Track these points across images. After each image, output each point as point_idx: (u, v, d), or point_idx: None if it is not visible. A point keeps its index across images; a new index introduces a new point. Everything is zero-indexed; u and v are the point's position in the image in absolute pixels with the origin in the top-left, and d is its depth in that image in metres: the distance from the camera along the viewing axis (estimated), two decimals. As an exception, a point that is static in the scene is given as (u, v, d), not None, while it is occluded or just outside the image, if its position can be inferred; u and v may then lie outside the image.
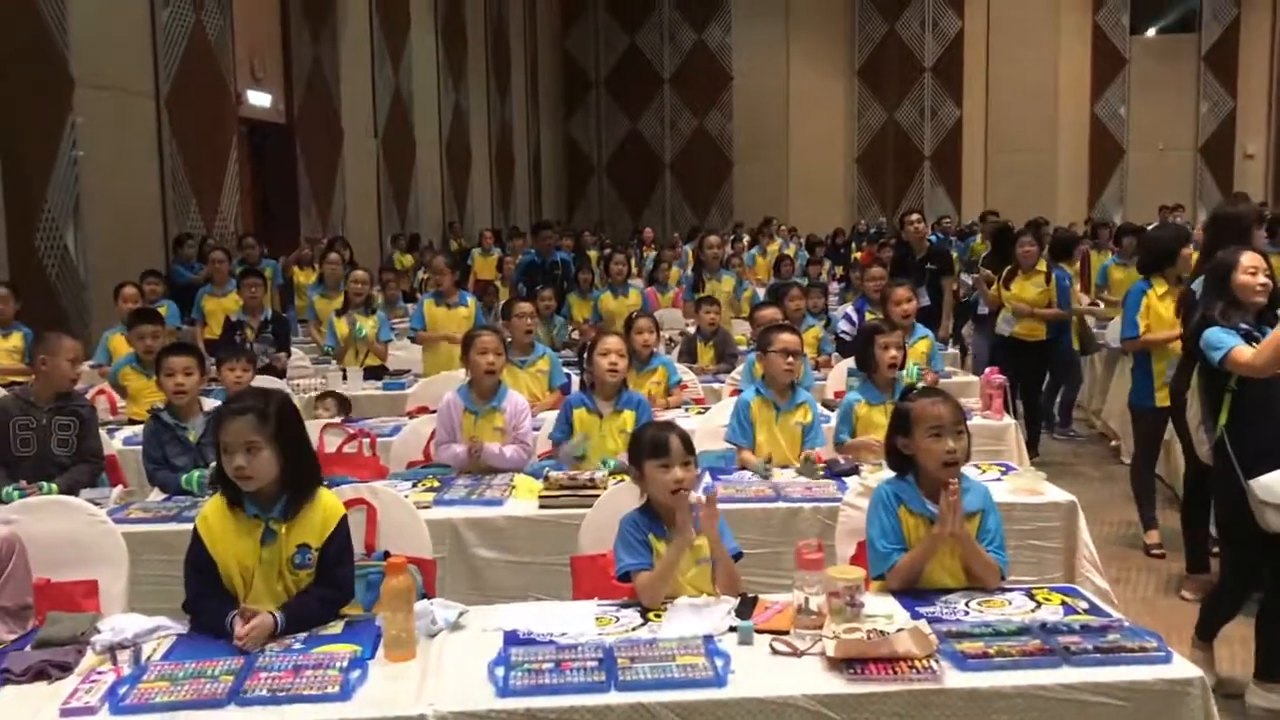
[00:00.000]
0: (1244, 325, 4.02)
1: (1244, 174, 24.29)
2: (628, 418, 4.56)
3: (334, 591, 2.94)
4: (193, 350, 4.60)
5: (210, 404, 4.57)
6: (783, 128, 25.79)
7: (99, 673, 2.57)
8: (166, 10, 11.07)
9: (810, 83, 25.48)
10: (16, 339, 7.15)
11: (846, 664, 2.51)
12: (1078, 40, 24.84)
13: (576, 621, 2.86)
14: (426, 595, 3.33)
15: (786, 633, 2.72)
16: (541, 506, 4.01)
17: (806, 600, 2.68)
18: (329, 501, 2.99)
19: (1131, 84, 24.91)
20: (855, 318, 7.38)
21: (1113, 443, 8.64)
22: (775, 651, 2.64)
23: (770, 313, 6.07)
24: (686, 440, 3.10)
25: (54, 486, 4.23)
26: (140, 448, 5.07)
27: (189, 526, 3.86)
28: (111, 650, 2.72)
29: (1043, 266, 7.97)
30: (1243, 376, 3.93)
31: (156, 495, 4.31)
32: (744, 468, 4.47)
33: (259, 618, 2.74)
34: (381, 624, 2.78)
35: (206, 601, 2.87)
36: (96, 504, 3.80)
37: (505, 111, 22.72)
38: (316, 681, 2.49)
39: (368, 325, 7.48)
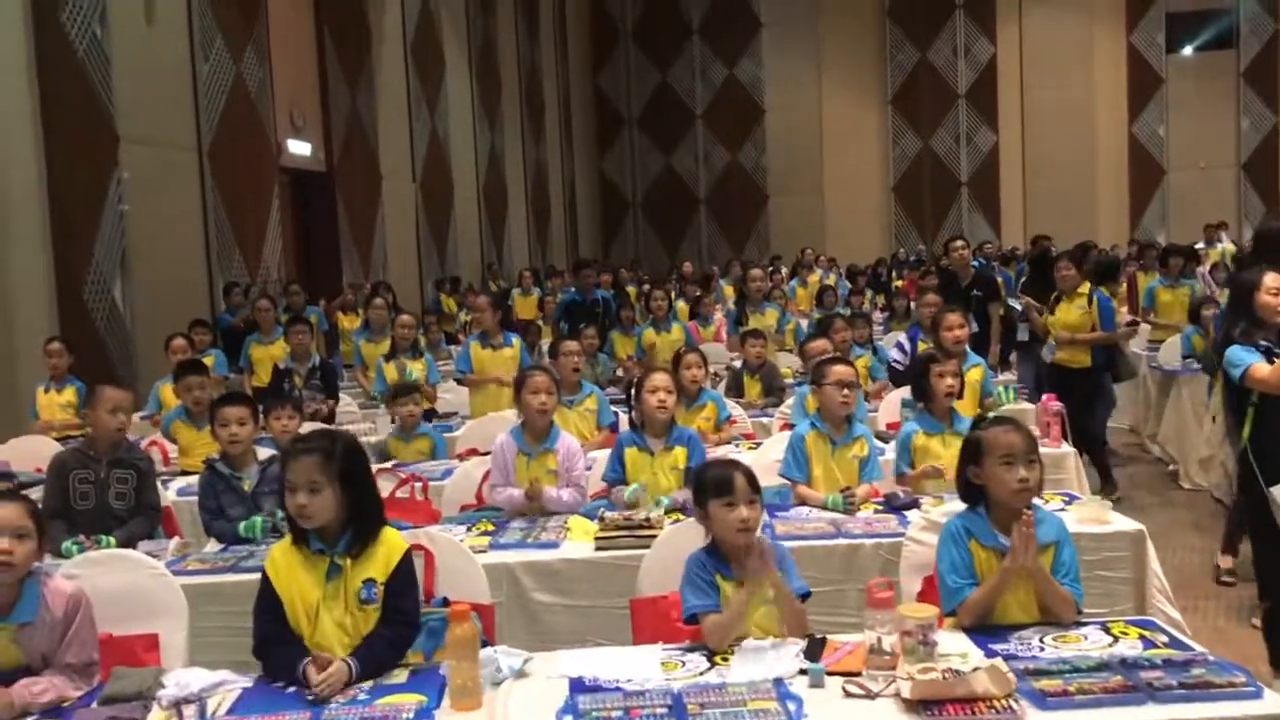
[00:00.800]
0: (1263, 343, 4.22)
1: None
2: (679, 454, 4.52)
3: (402, 630, 2.92)
4: (246, 400, 4.62)
5: (265, 453, 4.58)
6: (817, 159, 25.80)
7: (163, 729, 2.56)
8: (208, 65, 11.25)
9: (843, 113, 25.49)
10: (70, 393, 7.24)
11: (923, 706, 2.44)
12: (1112, 62, 24.71)
13: (642, 667, 2.81)
14: (487, 642, 3.31)
15: (858, 674, 2.66)
16: (598, 549, 3.97)
17: (879, 640, 2.62)
18: (393, 538, 2.99)
19: (1169, 103, 24.71)
20: (908, 346, 7.30)
21: (1170, 467, 8.49)
22: (848, 694, 2.57)
23: (820, 344, 6.02)
24: (751, 478, 3.06)
25: (112, 540, 4.25)
26: (194, 498, 5.13)
27: (247, 577, 3.95)
28: (178, 706, 2.70)
29: (1085, 290, 7.83)
30: (1263, 392, 4.16)
31: (213, 546, 4.32)
32: (802, 503, 4.41)
33: (335, 666, 2.71)
34: (446, 673, 2.75)
35: (276, 646, 2.85)
36: (154, 556, 3.82)
37: (540, 151, 22.89)
38: (386, 734, 2.46)
39: (416, 369, 7.50)
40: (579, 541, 4.08)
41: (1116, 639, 2.83)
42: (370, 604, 2.91)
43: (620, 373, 8.56)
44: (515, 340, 7.61)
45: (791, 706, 2.48)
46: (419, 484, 5.00)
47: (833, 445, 4.50)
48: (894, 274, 16.50)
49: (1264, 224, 6.11)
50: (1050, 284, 8.08)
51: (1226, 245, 16.98)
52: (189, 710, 2.68)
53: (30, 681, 2.77)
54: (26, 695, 2.72)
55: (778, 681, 2.65)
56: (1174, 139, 24.83)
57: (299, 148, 13.98)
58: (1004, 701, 2.43)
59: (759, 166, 26.14)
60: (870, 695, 2.55)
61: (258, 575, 3.87)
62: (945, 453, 4.51)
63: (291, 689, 2.76)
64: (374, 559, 2.93)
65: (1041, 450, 5.20)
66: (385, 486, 5.01)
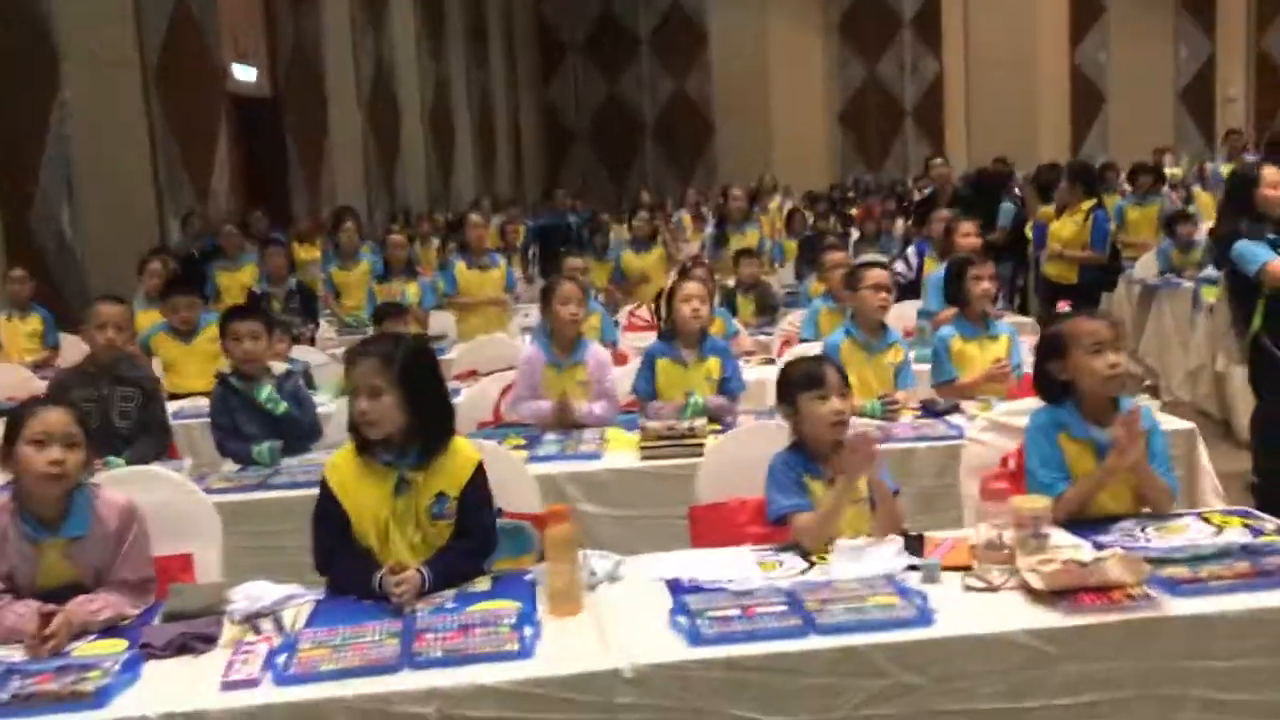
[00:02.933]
0: (1271, 236, 4.27)
1: (1225, 117, 24.26)
2: (713, 365, 4.37)
3: (477, 543, 2.76)
4: (257, 313, 4.37)
5: (279, 367, 4.35)
6: (763, 86, 25.50)
7: (247, 644, 2.38)
8: (150, -15, 10.71)
9: (788, 40, 25.20)
10: (35, 321, 6.90)
11: (1057, 596, 2.35)
12: (1055, -12, 24.70)
13: (738, 567, 2.69)
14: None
15: (968, 568, 2.56)
16: (644, 458, 3.83)
17: (999, 534, 2.52)
18: (465, 448, 2.81)
19: (1110, 31, 24.80)
20: (915, 260, 7.20)
21: (1146, 382, 8.54)
22: (969, 588, 2.47)
23: (839, 256, 5.89)
24: (841, 371, 2.93)
25: (120, 460, 4.02)
26: (189, 421, 4.88)
27: (277, 494, 3.76)
28: (252, 620, 2.53)
29: (1086, 206, 7.77)
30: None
31: (230, 466, 4.10)
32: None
33: (408, 574, 2.55)
34: (540, 576, 2.61)
35: (344, 559, 2.68)
36: (174, 476, 3.60)
37: (485, 80, 22.38)
38: (491, 640, 2.31)
39: (410, 291, 7.22)
40: (621, 452, 3.94)
41: (1221, 528, 2.76)
42: (443, 519, 2.73)
43: (602, 299, 8.38)
44: (501, 260, 7.39)
45: (917, 600, 2.37)
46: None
47: (868, 352, 4.39)
48: (851, 200, 16.44)
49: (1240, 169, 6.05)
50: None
51: (1173, 169, 17.15)
52: (266, 624, 2.51)
53: (86, 599, 2.57)
54: (83, 613, 2.52)
55: (888, 578, 2.54)
56: (1114, 67, 24.96)
57: (244, 74, 13.46)
58: (1139, 589, 2.35)
59: (704, 95, 25.82)
60: (993, 588, 2.46)
61: (288, 493, 3.77)
62: (982, 356, 4.43)
63: (367, 601, 2.59)
64: (445, 471, 2.75)
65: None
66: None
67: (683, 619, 2.36)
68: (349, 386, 2.69)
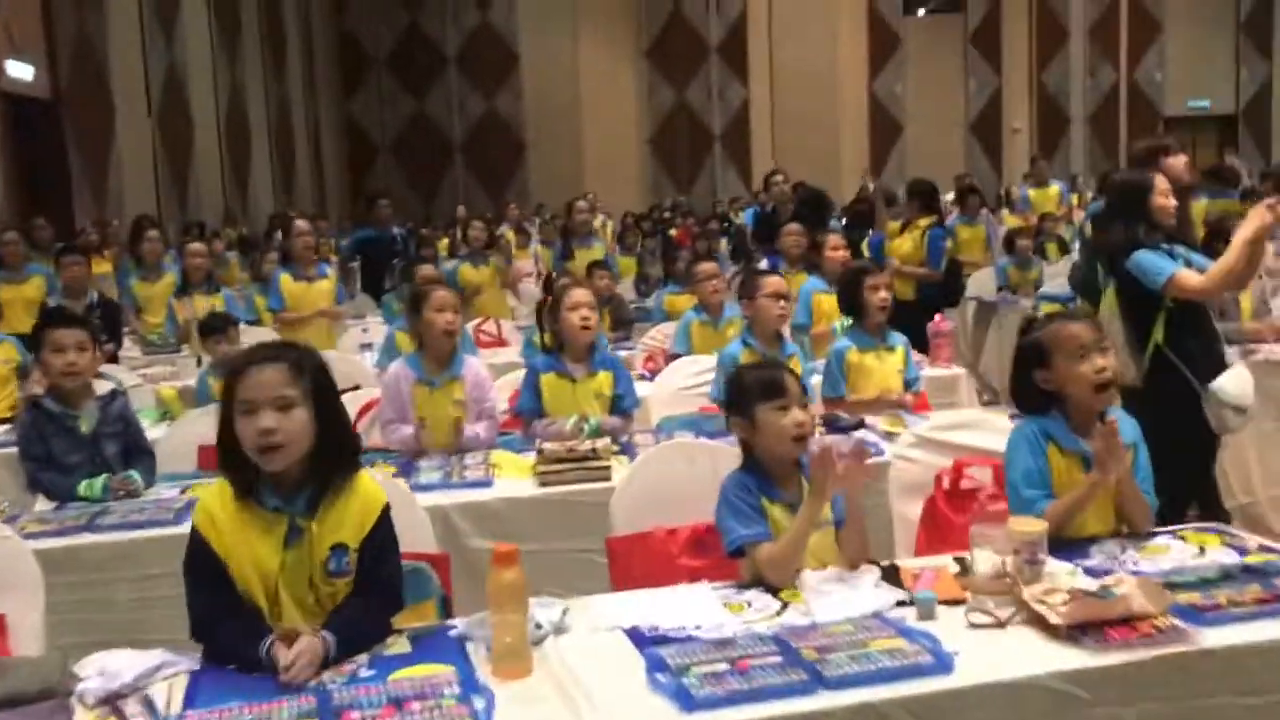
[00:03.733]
0: (1164, 246, 4.11)
1: (1011, 147, 25.59)
2: (604, 380, 4.00)
3: (385, 599, 2.28)
4: (82, 322, 3.73)
5: (103, 387, 3.72)
6: (575, 109, 25.33)
7: (114, 733, 1.85)
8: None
9: (600, 63, 25.14)
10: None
11: (1079, 631, 2.08)
12: (854, 21, 25.49)
13: (701, 611, 2.31)
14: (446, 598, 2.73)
15: (960, 601, 2.27)
16: (542, 484, 3.41)
17: (1002, 562, 2.24)
18: (368, 487, 2.32)
19: (907, 63, 25.78)
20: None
21: (985, 397, 8.65)
22: (974, 625, 2.18)
23: (709, 266, 5.60)
24: (798, 379, 2.61)
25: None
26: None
27: (105, 538, 3.17)
28: (111, 703, 1.99)
29: (923, 224, 7.80)
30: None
31: (43, 504, 3.45)
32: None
33: (304, 640, 2.07)
34: (466, 631, 2.18)
35: (228, 620, 2.16)
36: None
37: (283, 90, 21.35)
38: (437, 716, 1.86)
39: (215, 306, 6.52)
40: (513, 478, 3.51)
41: (1202, 548, 2.57)
42: (341, 576, 2.25)
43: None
44: (330, 271, 6.82)
45: (926, 643, 2.06)
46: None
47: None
48: (670, 221, 16.36)
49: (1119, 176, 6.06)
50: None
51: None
52: (130, 706, 1.98)
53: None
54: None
55: (879, 617, 2.22)
56: (910, 98, 25.94)
57: (19, 70, 12.27)
58: (1165, 619, 2.10)
59: (516, 114, 25.44)
60: (1000, 623, 2.17)
61: (119, 535, 3.18)
62: (881, 368, 4.22)
63: (254, 673, 2.09)
64: (345, 518, 2.26)
65: (932, 373, 5.09)
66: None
67: (663, 678, 1.97)
68: (241, 402, 2.17)
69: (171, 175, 16.28)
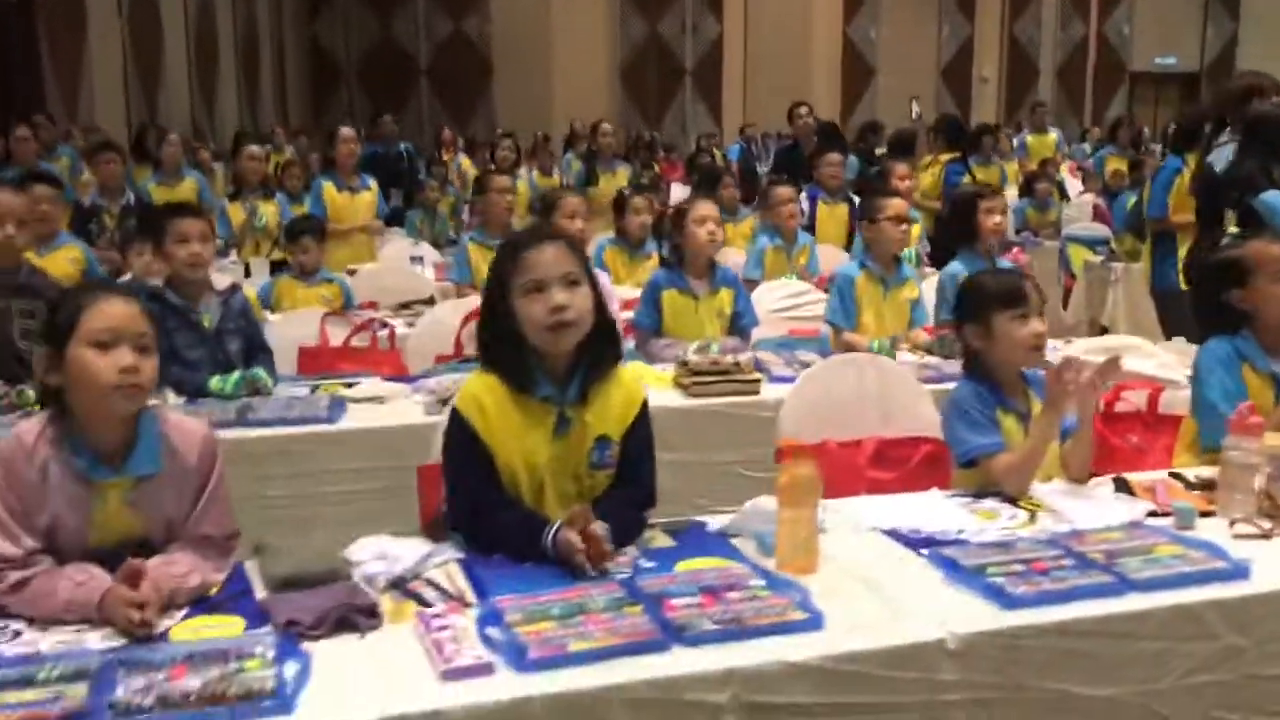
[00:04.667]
0: None
1: (980, 96, 25.65)
2: (725, 298, 3.93)
3: (644, 493, 2.22)
4: (202, 212, 3.57)
5: (223, 281, 3.58)
6: (544, 35, 24.85)
7: (435, 618, 1.78)
8: None
9: (571, -13, 24.65)
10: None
11: (1358, 542, 2.09)
12: (830, -39, 25.27)
13: (951, 516, 2.30)
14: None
15: (1212, 513, 2.28)
16: (691, 395, 3.36)
17: (1257, 475, 2.24)
18: (629, 380, 2.25)
19: (881, 8, 25.64)
20: (807, 207, 6.95)
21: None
22: (1237, 536, 2.18)
23: (788, 191, 5.53)
24: (1037, 288, 2.57)
25: (29, 392, 3.18)
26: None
27: (261, 433, 3.06)
28: (399, 586, 1.92)
29: (944, 159, 7.81)
30: None
31: (171, 398, 3.32)
32: (850, 351, 3.97)
33: (599, 526, 2.00)
34: (737, 527, 2.15)
35: (502, 510, 2.09)
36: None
37: (250, 8, 20.70)
38: (768, 609, 1.82)
39: (269, 211, 6.31)
40: (656, 389, 3.44)
41: None
42: (604, 469, 2.19)
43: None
44: (373, 183, 6.62)
45: (1209, 551, 2.06)
46: (385, 330, 4.14)
47: (884, 287, 4.07)
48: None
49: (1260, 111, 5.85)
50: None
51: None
52: (428, 592, 1.91)
53: (165, 560, 1.88)
54: (168, 579, 1.84)
55: (1141, 526, 2.22)
56: (883, 43, 25.83)
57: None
58: None
59: (484, 37, 24.89)
60: (1265, 534, 2.18)
61: (274, 431, 3.08)
62: (893, 298, 4.17)
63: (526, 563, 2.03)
64: (610, 409, 2.19)
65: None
66: (338, 333, 4.14)
67: (968, 577, 1.95)
68: (529, 281, 2.07)
69: (141, 86, 15.76)
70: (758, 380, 3.39)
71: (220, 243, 6.46)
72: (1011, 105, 26.02)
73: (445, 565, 2.02)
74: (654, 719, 1.65)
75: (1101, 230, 7.56)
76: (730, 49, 25.36)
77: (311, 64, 24.83)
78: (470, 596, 1.89)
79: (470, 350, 4.11)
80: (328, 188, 6.41)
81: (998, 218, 4.19)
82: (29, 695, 1.53)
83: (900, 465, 2.84)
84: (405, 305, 4.96)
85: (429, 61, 24.97)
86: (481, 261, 5.07)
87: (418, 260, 6.01)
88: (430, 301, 5.06)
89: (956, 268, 4.24)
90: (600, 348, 2.16)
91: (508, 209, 5.16)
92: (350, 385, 3.45)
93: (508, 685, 1.61)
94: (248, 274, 5.68)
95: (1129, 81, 25.71)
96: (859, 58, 25.86)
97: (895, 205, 4.03)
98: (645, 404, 2.24)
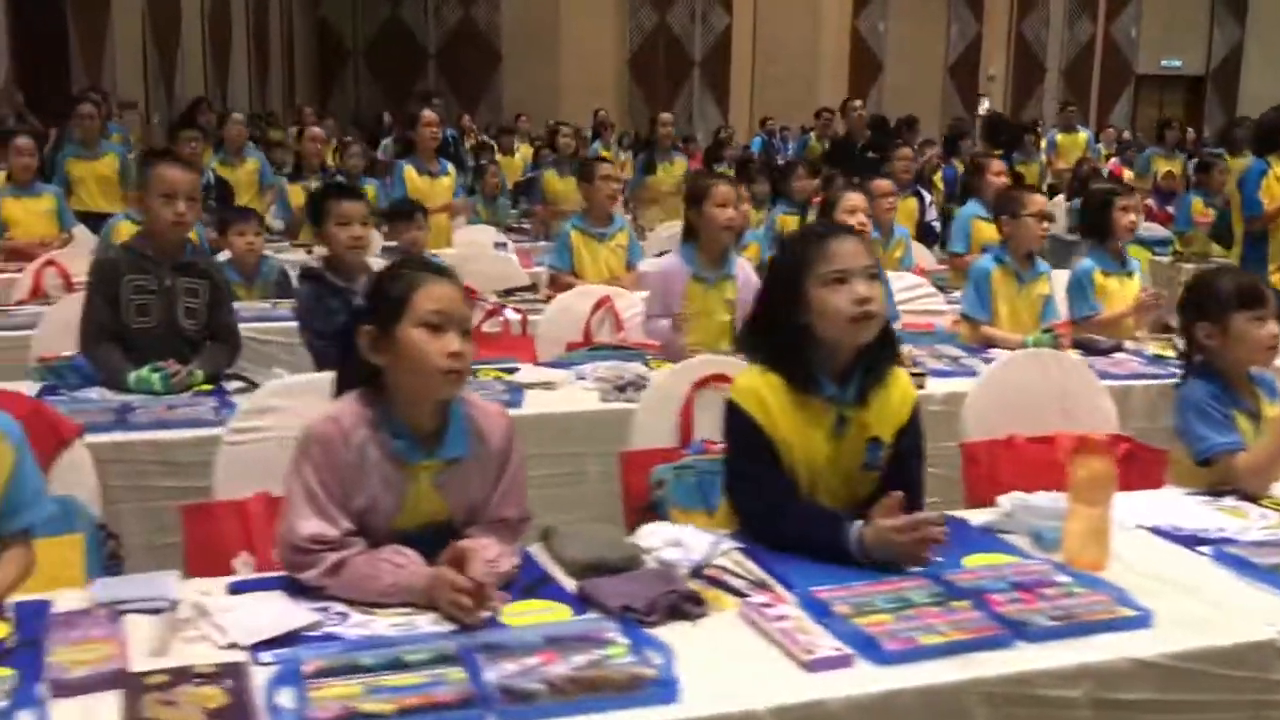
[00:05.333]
0: None
1: (987, 93, 25.71)
2: (729, 287, 3.83)
3: (915, 498, 2.19)
4: (363, 195, 3.53)
5: (376, 262, 3.54)
6: (553, 23, 24.76)
7: (765, 608, 1.76)
8: None
9: (581, -22, 24.57)
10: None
11: None
12: (840, -45, 25.28)
13: (1202, 514, 2.30)
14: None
15: None
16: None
17: None
18: (903, 381, 2.22)
19: (890, 3, 25.68)
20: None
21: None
22: None
23: (885, 184, 5.53)
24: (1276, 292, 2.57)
25: (198, 372, 3.15)
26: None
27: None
28: (700, 575, 1.90)
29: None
30: None
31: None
32: (988, 344, 3.97)
33: (919, 517, 1.97)
34: (1012, 522, 2.14)
35: (794, 504, 2.07)
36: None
37: (261, -14, 20.55)
38: (1095, 606, 1.81)
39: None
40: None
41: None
42: (874, 470, 2.16)
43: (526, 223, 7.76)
44: (451, 167, 6.58)
45: None
46: (518, 317, 4.11)
47: (1020, 282, 4.07)
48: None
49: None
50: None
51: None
52: (733, 581, 1.89)
53: (478, 544, 1.85)
54: (484, 565, 1.81)
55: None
56: (891, 38, 25.86)
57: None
58: None
59: (493, 25, 24.79)
60: None
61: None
62: (1122, 292, 4.20)
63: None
64: (885, 410, 2.16)
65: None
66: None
67: (1269, 575, 1.95)
68: (834, 271, 2.04)
69: (160, 64, 15.65)
70: (924, 374, 3.38)
71: (279, 224, 6.44)
72: (1018, 103, 26.13)
73: (730, 554, 2.01)
74: (1009, 713, 1.64)
75: (1161, 231, 7.59)
76: (739, 41, 25.33)
77: (320, 45, 24.70)
78: (777, 587, 1.88)
79: (601, 337, 4.11)
80: (409, 171, 6.34)
81: (1132, 216, 4.19)
82: (408, 679, 1.51)
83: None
84: (509, 292, 4.92)
85: (437, 47, 24.85)
86: (583, 248, 5.05)
87: (501, 246, 5.97)
88: (533, 289, 5.04)
89: (1089, 264, 4.25)
90: (879, 349, 2.14)
91: (612, 197, 5.13)
92: (510, 371, 3.42)
93: (873, 678, 1.60)
94: (311, 253, 5.62)
95: (1134, 83, 25.83)
96: (867, 52, 25.87)
97: (1039, 201, 4.03)
98: (917, 405, 2.22)
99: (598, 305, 4.12)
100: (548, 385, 3.27)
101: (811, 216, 6.19)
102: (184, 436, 2.80)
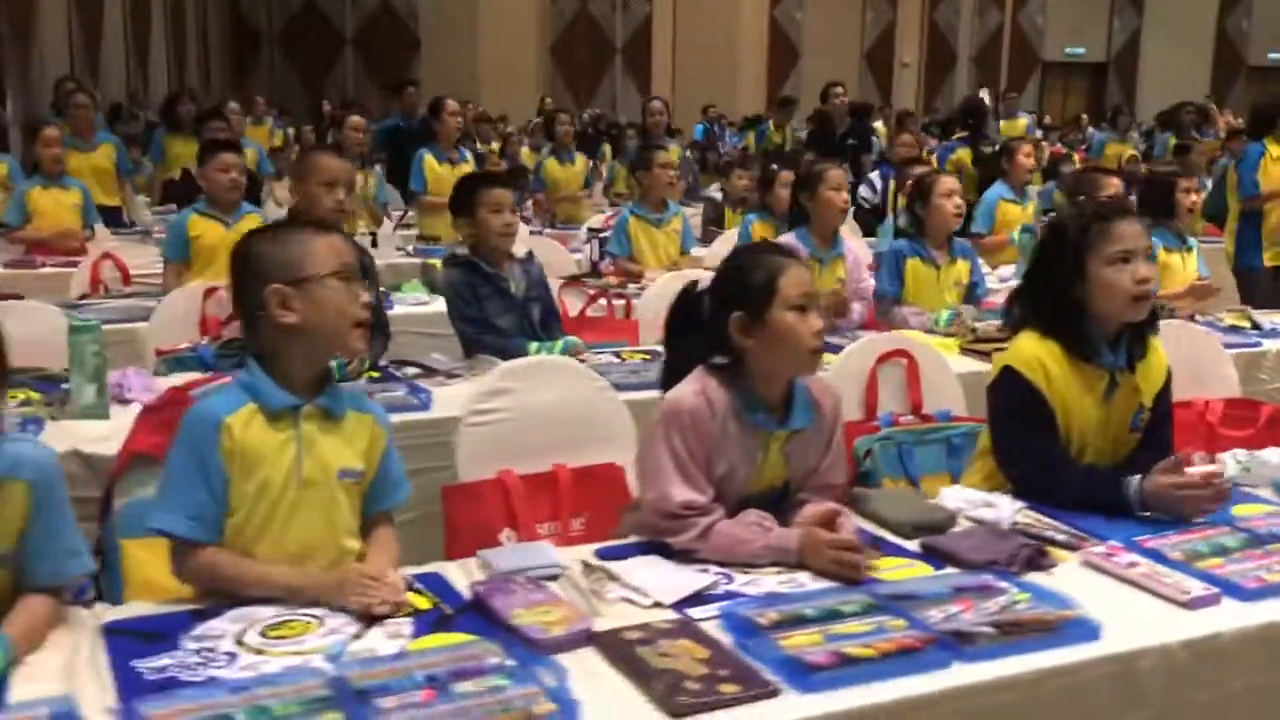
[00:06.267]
0: None
1: (900, 81, 26.33)
2: (963, 268, 4.09)
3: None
4: (511, 181, 3.58)
5: (520, 249, 3.60)
6: (472, 7, 24.58)
7: (1110, 555, 1.92)
8: None
9: (501, -37, 24.41)
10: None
11: None
12: (757, -57, 25.58)
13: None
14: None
15: None
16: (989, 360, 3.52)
17: None
18: (1159, 348, 2.40)
19: (807, -9, 26.08)
20: (879, 184, 7.19)
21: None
22: None
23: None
24: None
25: (365, 360, 3.18)
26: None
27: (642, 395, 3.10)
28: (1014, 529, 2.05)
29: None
30: None
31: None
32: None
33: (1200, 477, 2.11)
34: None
35: (1069, 467, 2.23)
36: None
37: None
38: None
39: (369, 181, 6.22)
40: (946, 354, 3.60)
41: None
42: (1136, 432, 2.35)
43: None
44: (469, 155, 6.60)
45: None
46: (621, 301, 4.20)
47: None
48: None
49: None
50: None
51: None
52: (1053, 534, 2.04)
53: (835, 507, 1.97)
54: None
55: None
56: (808, 26, 26.29)
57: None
58: None
59: (410, 9, 24.52)
60: None
61: (625, 395, 3.13)
62: (1183, 270, 4.45)
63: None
64: (1149, 374, 2.35)
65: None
66: (573, 303, 4.20)
67: None
68: (1118, 251, 2.20)
69: (85, 48, 15.18)
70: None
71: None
72: (931, 90, 26.80)
73: (1023, 512, 2.16)
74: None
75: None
76: (659, 28, 25.49)
77: (234, 30, 24.13)
78: (1091, 539, 2.03)
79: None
80: (428, 160, 6.35)
81: (1194, 197, 4.46)
82: (854, 627, 1.62)
83: (1249, 425, 3.06)
84: (573, 279, 4.99)
85: (354, 32, 24.48)
86: (641, 235, 5.15)
87: (537, 234, 6.03)
88: (596, 273, 5.11)
89: (1155, 241, 4.49)
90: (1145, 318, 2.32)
91: (670, 184, 5.23)
92: (652, 354, 3.51)
93: (1247, 612, 1.77)
94: (374, 244, 5.62)
95: (1041, 70, 26.71)
96: (784, 40, 26.26)
97: (1114, 184, 4.26)
98: (1169, 371, 2.40)
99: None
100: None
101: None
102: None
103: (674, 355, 2.10)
